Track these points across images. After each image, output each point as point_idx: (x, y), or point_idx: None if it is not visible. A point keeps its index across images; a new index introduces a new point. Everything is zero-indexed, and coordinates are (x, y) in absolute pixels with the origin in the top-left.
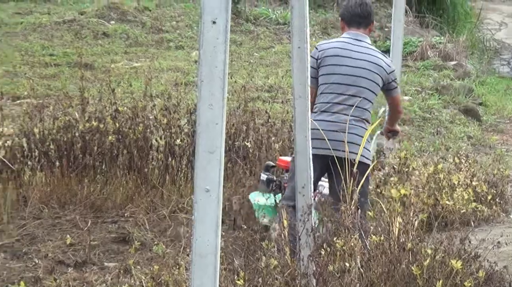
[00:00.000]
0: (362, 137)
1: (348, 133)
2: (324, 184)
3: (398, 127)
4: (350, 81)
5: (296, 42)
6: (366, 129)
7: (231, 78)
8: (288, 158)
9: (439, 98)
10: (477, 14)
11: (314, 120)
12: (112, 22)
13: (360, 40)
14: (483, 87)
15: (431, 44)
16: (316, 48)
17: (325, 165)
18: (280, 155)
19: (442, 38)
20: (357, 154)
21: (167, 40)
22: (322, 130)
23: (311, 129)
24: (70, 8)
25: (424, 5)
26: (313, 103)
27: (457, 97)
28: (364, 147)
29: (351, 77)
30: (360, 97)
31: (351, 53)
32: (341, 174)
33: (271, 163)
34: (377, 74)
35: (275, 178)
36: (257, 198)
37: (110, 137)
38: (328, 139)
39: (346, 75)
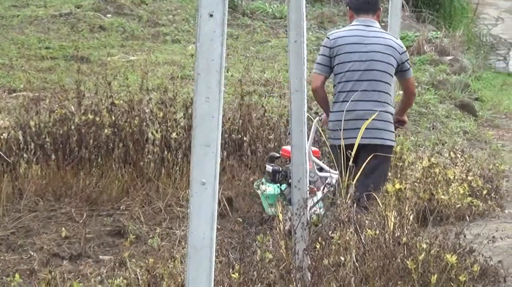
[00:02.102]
0: (383, 121)
1: (368, 119)
2: (333, 175)
3: (406, 117)
4: (365, 66)
5: (293, 36)
6: (388, 112)
7: (228, 72)
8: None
9: (435, 93)
10: (474, 9)
11: (336, 111)
12: (109, 15)
13: (370, 25)
14: (479, 82)
15: (427, 39)
16: (328, 38)
17: (355, 153)
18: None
19: (439, 33)
20: (379, 138)
21: (163, 34)
22: (344, 120)
23: (335, 120)
24: (66, 2)
25: (421, 0)
26: (313, 89)
27: (453, 92)
28: (387, 130)
29: (365, 62)
30: (377, 80)
31: (363, 38)
32: (366, 161)
33: (276, 154)
34: (391, 55)
35: (281, 169)
36: (264, 187)
37: (106, 130)
38: (350, 129)
39: (360, 61)
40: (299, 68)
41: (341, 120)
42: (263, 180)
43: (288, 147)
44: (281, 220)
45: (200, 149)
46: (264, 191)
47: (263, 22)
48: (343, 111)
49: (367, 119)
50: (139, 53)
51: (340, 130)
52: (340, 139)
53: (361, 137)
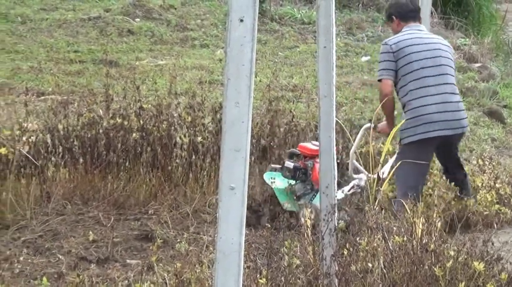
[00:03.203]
0: (463, 110)
1: (455, 110)
2: (361, 176)
3: None
4: (432, 62)
5: (322, 41)
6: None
7: (256, 77)
8: (308, 145)
9: (464, 100)
10: (502, 16)
11: (418, 107)
12: (137, 19)
13: (421, 30)
14: (508, 89)
15: (456, 45)
16: (387, 44)
17: (435, 147)
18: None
19: (467, 40)
20: (466, 127)
21: (192, 38)
22: (431, 114)
23: (417, 116)
24: (95, 5)
25: (450, 7)
26: (386, 95)
27: (482, 99)
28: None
29: (431, 59)
30: (446, 73)
31: (421, 39)
32: (454, 149)
33: (296, 151)
34: (449, 52)
35: (301, 166)
36: (277, 181)
37: (134, 134)
38: (441, 120)
39: (426, 59)
40: (328, 73)
41: (424, 115)
42: (281, 174)
43: (305, 144)
44: (309, 226)
45: (229, 154)
46: (273, 183)
47: (292, 28)
48: (429, 104)
49: (456, 110)
50: (167, 58)
51: (428, 123)
52: (428, 131)
53: (456, 128)
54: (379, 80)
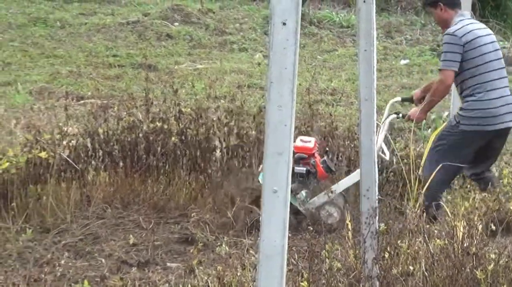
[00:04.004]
0: None
1: None
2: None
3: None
4: (495, 55)
5: (363, 45)
6: None
7: None
8: (301, 144)
9: None
10: None
11: (484, 100)
12: (176, 23)
13: (474, 19)
14: None
15: None
16: (456, 35)
17: (486, 141)
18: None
19: (506, 43)
20: None
21: (230, 42)
22: (497, 107)
23: (485, 109)
24: (134, 10)
25: (488, 10)
26: (449, 86)
27: None
28: None
29: (494, 52)
30: (504, 67)
31: (482, 30)
32: (503, 143)
33: (303, 155)
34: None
35: (310, 167)
36: None
37: (173, 138)
38: (505, 113)
39: (490, 52)
40: (368, 77)
41: (491, 109)
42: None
43: (297, 144)
44: (350, 229)
45: (272, 157)
46: None
47: (330, 31)
48: (495, 98)
49: None
50: (206, 62)
51: (492, 117)
52: (489, 125)
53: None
54: (440, 70)
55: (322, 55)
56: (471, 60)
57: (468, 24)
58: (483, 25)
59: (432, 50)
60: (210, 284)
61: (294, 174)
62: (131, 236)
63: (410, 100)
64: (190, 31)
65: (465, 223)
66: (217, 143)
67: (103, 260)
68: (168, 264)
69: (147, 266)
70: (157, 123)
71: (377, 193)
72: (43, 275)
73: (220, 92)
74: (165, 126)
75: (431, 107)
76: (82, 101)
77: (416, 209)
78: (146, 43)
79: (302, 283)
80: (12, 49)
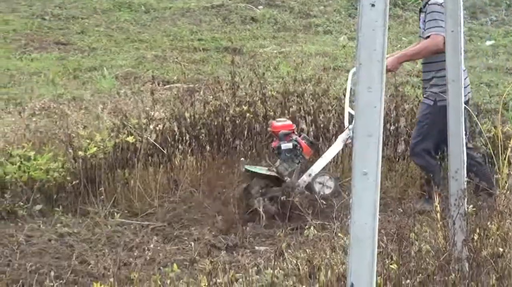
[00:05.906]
0: None
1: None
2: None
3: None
4: None
5: (450, 25)
6: None
7: None
8: (281, 123)
9: None
10: None
11: None
12: (260, 7)
13: None
14: None
15: None
16: (442, 5)
17: None
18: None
19: None
20: None
21: (315, 25)
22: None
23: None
24: None
25: None
26: (442, 50)
27: None
28: None
29: None
30: None
31: None
32: None
33: (287, 131)
34: None
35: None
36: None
37: (259, 121)
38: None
39: None
40: (455, 58)
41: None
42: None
43: (277, 123)
44: (439, 211)
45: (362, 139)
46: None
47: (415, 13)
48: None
49: None
50: (290, 44)
51: None
52: None
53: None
54: (428, 37)
55: (407, 37)
56: None
57: None
58: None
59: None
60: (300, 266)
61: (281, 151)
62: (219, 220)
63: None
64: (275, 14)
65: None
66: (304, 126)
67: (192, 244)
68: (257, 247)
69: (235, 250)
70: (244, 106)
71: (465, 175)
72: (132, 259)
73: (305, 75)
74: (251, 110)
75: (408, 60)
76: (168, 86)
77: (505, 191)
78: (231, 27)
79: (391, 266)
80: (97, 34)
